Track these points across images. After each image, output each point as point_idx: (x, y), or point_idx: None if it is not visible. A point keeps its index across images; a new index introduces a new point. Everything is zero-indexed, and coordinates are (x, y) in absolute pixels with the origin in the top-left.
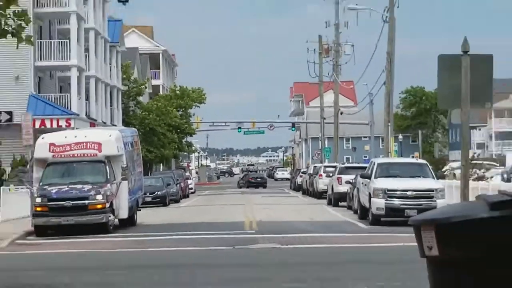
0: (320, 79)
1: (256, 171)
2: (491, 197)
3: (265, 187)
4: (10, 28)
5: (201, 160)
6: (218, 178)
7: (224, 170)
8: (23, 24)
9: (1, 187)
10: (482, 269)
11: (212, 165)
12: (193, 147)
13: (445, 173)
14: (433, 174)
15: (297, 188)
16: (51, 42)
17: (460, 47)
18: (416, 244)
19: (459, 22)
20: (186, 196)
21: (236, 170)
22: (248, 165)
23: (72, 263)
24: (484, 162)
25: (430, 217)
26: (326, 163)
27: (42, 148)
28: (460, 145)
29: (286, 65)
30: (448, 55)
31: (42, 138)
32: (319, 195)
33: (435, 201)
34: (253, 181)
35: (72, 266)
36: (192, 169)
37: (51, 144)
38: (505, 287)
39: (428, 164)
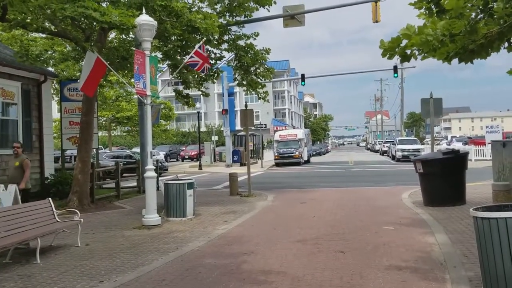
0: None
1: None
2: (442, 150)
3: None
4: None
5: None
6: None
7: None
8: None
9: (264, 149)
10: (437, 176)
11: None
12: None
13: (424, 143)
14: (419, 143)
15: (368, 149)
16: (275, 101)
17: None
18: (413, 168)
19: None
20: (328, 152)
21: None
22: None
23: (287, 175)
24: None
25: (419, 157)
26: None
27: (277, 136)
28: (430, 131)
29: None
30: (424, 98)
31: (276, 132)
32: (383, 152)
33: (420, 153)
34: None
35: (287, 176)
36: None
37: (280, 135)
38: (441, 182)
39: (417, 139)
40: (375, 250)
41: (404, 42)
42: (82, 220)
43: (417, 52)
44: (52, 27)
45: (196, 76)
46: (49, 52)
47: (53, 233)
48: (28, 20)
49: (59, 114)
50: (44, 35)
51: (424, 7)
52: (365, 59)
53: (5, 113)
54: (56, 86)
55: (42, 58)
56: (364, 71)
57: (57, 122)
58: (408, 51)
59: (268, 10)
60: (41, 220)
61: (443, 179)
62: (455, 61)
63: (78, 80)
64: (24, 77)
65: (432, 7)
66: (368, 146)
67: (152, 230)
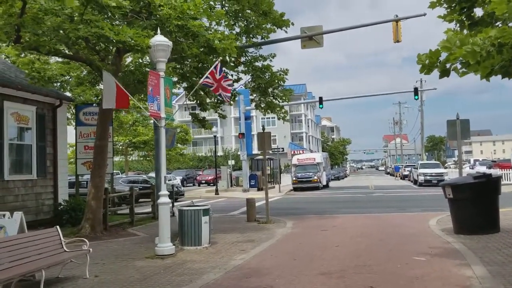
0: (395, 132)
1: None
2: (473, 174)
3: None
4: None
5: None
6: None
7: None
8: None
9: (282, 174)
10: (468, 202)
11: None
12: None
13: (446, 167)
14: (442, 167)
15: (388, 173)
16: (292, 125)
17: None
18: (437, 192)
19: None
20: (346, 176)
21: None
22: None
23: (306, 200)
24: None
25: (449, 182)
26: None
27: (294, 160)
28: (458, 155)
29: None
30: (451, 120)
31: (294, 156)
32: (403, 177)
33: (443, 178)
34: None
35: (306, 201)
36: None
37: (298, 159)
38: (473, 209)
39: (440, 163)
40: (408, 285)
41: (444, 55)
42: (91, 250)
43: (459, 66)
44: (67, 50)
45: (213, 98)
46: (66, 77)
47: (60, 264)
48: (41, 42)
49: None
50: (60, 59)
51: (454, 20)
52: (382, 82)
53: (19, 138)
54: (73, 110)
55: (59, 82)
56: (381, 93)
57: (73, 147)
58: (448, 65)
59: (286, 32)
60: (48, 250)
61: (475, 205)
62: (477, 80)
63: (94, 104)
64: (39, 101)
65: (464, 19)
66: (388, 170)
67: (165, 260)
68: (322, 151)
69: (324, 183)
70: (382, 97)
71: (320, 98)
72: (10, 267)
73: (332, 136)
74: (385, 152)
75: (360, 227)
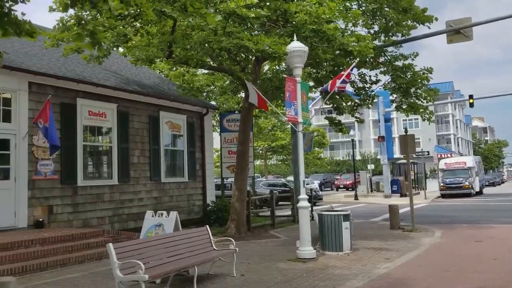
0: None
1: None
2: None
3: None
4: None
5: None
6: None
7: None
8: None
9: (427, 179)
10: None
11: None
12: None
13: None
14: None
15: None
16: (438, 126)
17: None
18: None
19: None
20: (503, 182)
21: None
22: None
23: (455, 208)
24: None
25: None
26: None
27: (442, 164)
28: None
29: None
30: None
31: (441, 160)
32: None
33: None
34: None
35: (455, 209)
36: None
37: (445, 163)
38: None
39: None
40: None
41: None
42: (237, 249)
43: None
44: (211, 62)
45: (350, 102)
46: (212, 87)
47: (210, 261)
48: (190, 56)
49: (219, 144)
50: (205, 71)
51: None
52: None
53: (173, 144)
54: (218, 118)
55: (205, 92)
56: None
57: (218, 152)
58: None
59: (429, 28)
60: (199, 248)
61: None
62: None
63: (236, 112)
64: (189, 110)
65: None
66: None
67: (306, 264)
68: (474, 154)
69: (477, 189)
70: None
71: (471, 96)
72: (167, 262)
73: (485, 138)
74: None
75: None
